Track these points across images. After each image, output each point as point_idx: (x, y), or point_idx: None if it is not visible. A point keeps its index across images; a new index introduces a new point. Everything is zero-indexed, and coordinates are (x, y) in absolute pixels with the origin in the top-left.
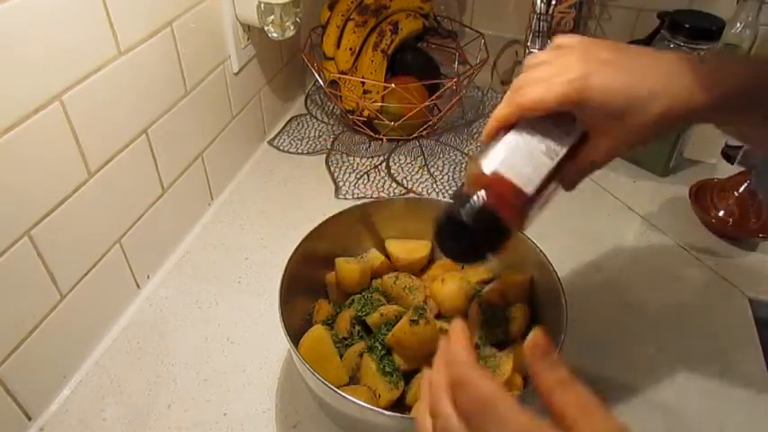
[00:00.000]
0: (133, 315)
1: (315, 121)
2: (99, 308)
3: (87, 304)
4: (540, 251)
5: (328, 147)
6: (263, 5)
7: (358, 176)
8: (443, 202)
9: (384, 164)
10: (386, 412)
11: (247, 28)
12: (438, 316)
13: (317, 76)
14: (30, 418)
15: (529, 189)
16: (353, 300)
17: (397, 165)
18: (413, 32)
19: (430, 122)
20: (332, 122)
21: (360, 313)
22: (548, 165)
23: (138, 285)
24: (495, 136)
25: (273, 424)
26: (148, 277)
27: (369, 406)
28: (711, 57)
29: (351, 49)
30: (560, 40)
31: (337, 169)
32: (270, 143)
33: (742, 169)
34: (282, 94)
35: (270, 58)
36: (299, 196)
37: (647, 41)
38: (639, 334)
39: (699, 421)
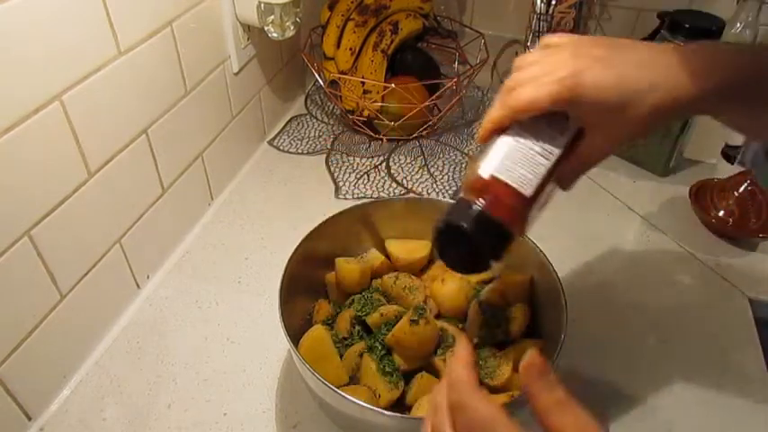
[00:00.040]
0: (133, 315)
1: (315, 121)
2: (99, 308)
3: (87, 304)
4: (540, 251)
5: (328, 147)
6: (263, 5)
7: (358, 176)
8: (443, 202)
9: (384, 164)
10: (386, 412)
11: (247, 28)
12: (438, 316)
13: (316, 76)
14: (30, 418)
15: (527, 191)
16: (353, 300)
17: (397, 165)
18: (413, 32)
19: (430, 122)
20: (332, 122)
21: (360, 313)
22: (544, 165)
23: (138, 285)
24: (489, 138)
25: (273, 424)
26: (148, 277)
27: (369, 406)
28: (707, 46)
29: (351, 49)
30: (549, 39)
31: (337, 169)
32: (270, 143)
33: (742, 169)
34: (282, 94)
35: (270, 58)
36: (299, 196)
37: (648, 41)
38: (639, 334)
39: (699, 421)
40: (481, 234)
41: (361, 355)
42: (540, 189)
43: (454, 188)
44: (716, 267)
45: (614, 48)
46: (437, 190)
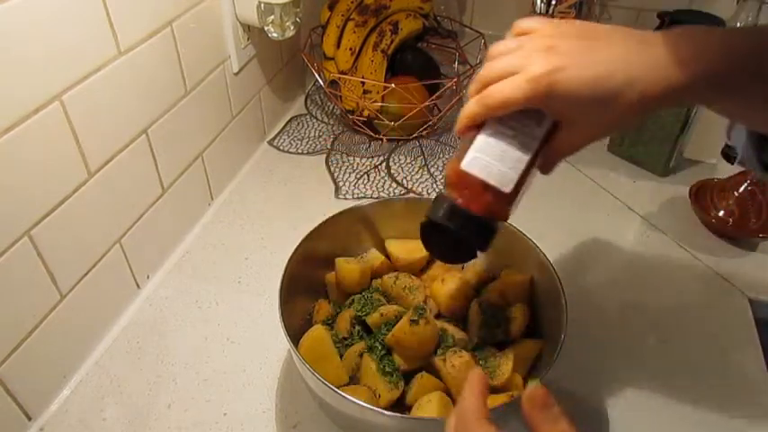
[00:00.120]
0: (133, 315)
1: (315, 121)
2: (99, 308)
3: (87, 304)
4: (540, 251)
5: (328, 147)
6: (263, 5)
7: (358, 176)
8: None
9: (384, 164)
10: (386, 412)
11: (247, 28)
12: (438, 316)
13: (317, 76)
14: (30, 418)
15: (507, 188)
16: (353, 300)
17: (397, 165)
18: (413, 32)
19: (430, 122)
20: (332, 122)
21: (360, 313)
22: (522, 160)
23: (138, 285)
24: (466, 132)
25: (273, 424)
26: (148, 277)
27: (369, 406)
28: (693, 31)
29: (351, 49)
30: (522, 24)
31: (337, 169)
32: (270, 143)
33: (742, 169)
34: (282, 94)
35: (270, 58)
36: (299, 196)
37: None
38: (639, 334)
39: (699, 421)
40: (463, 229)
41: (361, 355)
42: (519, 183)
43: None
44: (716, 267)
45: (592, 38)
46: (437, 190)
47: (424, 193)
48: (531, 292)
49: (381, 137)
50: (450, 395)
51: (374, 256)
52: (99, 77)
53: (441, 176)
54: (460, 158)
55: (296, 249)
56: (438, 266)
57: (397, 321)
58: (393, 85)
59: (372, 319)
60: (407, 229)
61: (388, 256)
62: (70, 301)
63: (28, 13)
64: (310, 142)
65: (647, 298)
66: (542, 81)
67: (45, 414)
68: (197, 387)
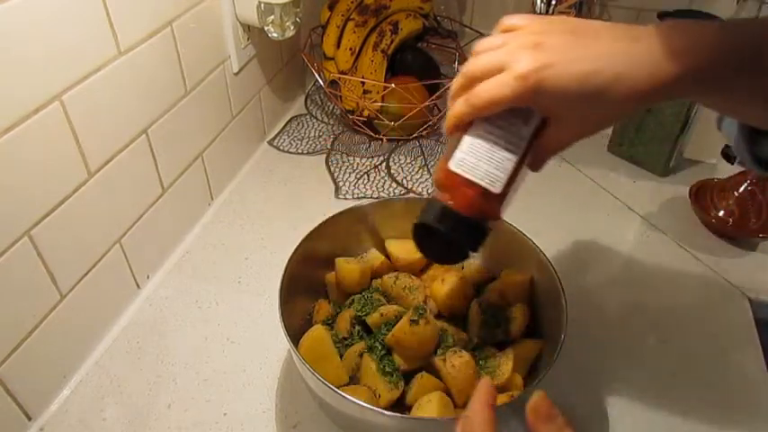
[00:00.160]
0: (133, 315)
1: (315, 121)
2: (99, 308)
3: (87, 304)
4: (540, 251)
5: (328, 147)
6: (263, 5)
7: (358, 176)
8: None
9: (384, 164)
10: (386, 412)
11: (247, 28)
12: (438, 316)
13: (317, 76)
14: (30, 418)
15: (496, 189)
16: (353, 300)
17: (397, 165)
18: (413, 32)
19: (430, 122)
20: (332, 122)
21: (360, 313)
22: (511, 160)
23: (138, 285)
24: (454, 132)
25: (273, 424)
26: (148, 277)
27: (369, 406)
28: (684, 26)
29: (351, 49)
30: (508, 20)
31: (337, 169)
32: (270, 143)
33: (742, 169)
34: (282, 94)
35: (270, 58)
36: (299, 196)
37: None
38: (639, 334)
39: (699, 421)
40: (453, 231)
41: (361, 355)
42: (509, 182)
43: None
44: (716, 267)
45: (577, 36)
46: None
47: (424, 193)
48: (531, 292)
49: (381, 137)
50: (451, 395)
51: (374, 256)
52: (99, 77)
53: None
54: (449, 159)
55: (296, 249)
56: (438, 266)
57: (397, 321)
58: (393, 85)
59: (372, 319)
60: (407, 229)
61: (388, 256)
62: (70, 301)
63: (28, 13)
64: (310, 142)
65: (647, 298)
66: (530, 78)
67: (45, 414)
68: (197, 387)
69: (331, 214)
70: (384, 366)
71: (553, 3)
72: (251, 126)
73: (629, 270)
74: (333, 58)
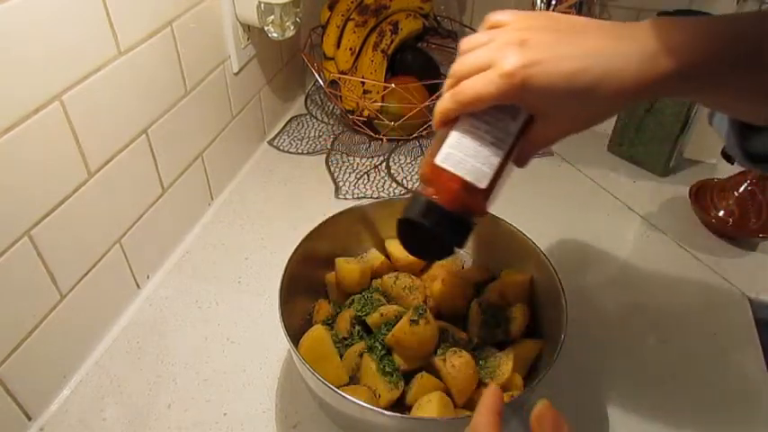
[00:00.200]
0: (133, 315)
1: (315, 121)
2: (99, 308)
3: (87, 304)
4: (541, 251)
5: (328, 147)
6: (263, 5)
7: (358, 176)
8: None
9: (384, 164)
10: (386, 412)
11: (247, 28)
12: (438, 316)
13: (316, 76)
14: (30, 418)
15: (482, 184)
16: (353, 300)
17: (397, 165)
18: (413, 32)
19: (430, 122)
20: (332, 122)
21: (360, 313)
22: (498, 154)
23: (138, 285)
24: (442, 128)
25: (273, 424)
26: (148, 277)
27: (369, 406)
28: (675, 22)
29: (351, 49)
30: (494, 17)
31: (337, 169)
32: (270, 143)
33: (742, 169)
34: (282, 94)
35: (270, 58)
36: (299, 196)
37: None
38: (639, 334)
39: (699, 421)
40: (438, 226)
41: (361, 355)
42: (495, 178)
43: None
44: (716, 267)
45: (565, 33)
46: None
47: None
48: (531, 292)
49: (381, 137)
50: (451, 395)
51: (374, 256)
52: (99, 77)
53: None
54: (434, 154)
55: (296, 249)
56: (438, 266)
57: (397, 321)
58: (393, 85)
59: (372, 319)
60: None
61: (388, 256)
62: (70, 301)
63: (28, 13)
64: (310, 142)
65: (647, 298)
66: (516, 76)
67: (45, 414)
68: (197, 387)
69: (331, 214)
70: (384, 366)
71: (553, 3)
72: (251, 126)
73: (629, 270)
74: (333, 58)
